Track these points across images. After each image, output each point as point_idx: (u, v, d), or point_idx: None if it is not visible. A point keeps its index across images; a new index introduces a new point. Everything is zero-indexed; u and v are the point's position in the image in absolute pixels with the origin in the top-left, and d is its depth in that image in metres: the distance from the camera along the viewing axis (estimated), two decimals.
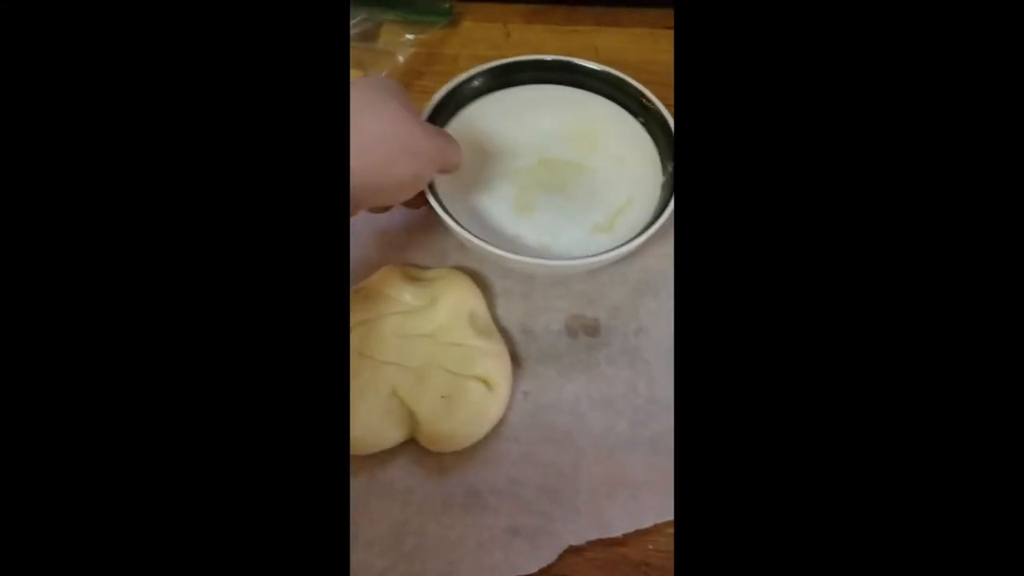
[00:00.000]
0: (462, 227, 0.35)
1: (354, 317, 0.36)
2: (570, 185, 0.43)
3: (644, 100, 0.41)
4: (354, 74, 0.49)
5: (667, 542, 0.32)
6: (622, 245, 0.35)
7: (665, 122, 0.40)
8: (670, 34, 0.54)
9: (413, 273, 0.39)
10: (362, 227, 0.43)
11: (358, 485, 0.34)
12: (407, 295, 0.37)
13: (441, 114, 0.40)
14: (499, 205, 0.42)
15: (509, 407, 0.35)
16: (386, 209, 0.39)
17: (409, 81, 0.50)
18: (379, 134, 0.30)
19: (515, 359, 0.37)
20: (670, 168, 0.39)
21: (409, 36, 0.50)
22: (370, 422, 0.33)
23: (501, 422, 0.35)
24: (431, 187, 0.36)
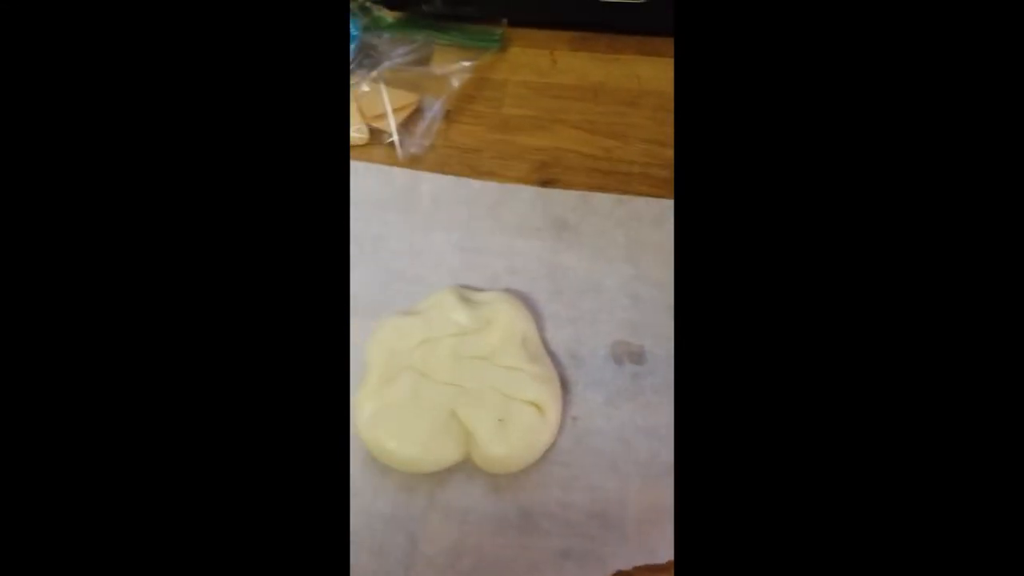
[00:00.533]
0: None
1: (415, 336, 0.38)
2: None
3: None
4: (410, 98, 0.51)
5: None
6: None
7: None
8: None
9: (467, 295, 0.41)
10: (418, 249, 0.45)
11: (418, 503, 0.35)
12: (463, 317, 0.39)
13: None
14: None
15: (559, 431, 0.37)
16: None
17: (462, 106, 0.52)
18: None
19: (564, 384, 0.38)
20: None
21: (465, 63, 0.52)
22: (431, 441, 0.35)
23: (551, 446, 0.37)
24: None
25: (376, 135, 0.51)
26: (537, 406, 0.36)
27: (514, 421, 0.35)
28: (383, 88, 0.50)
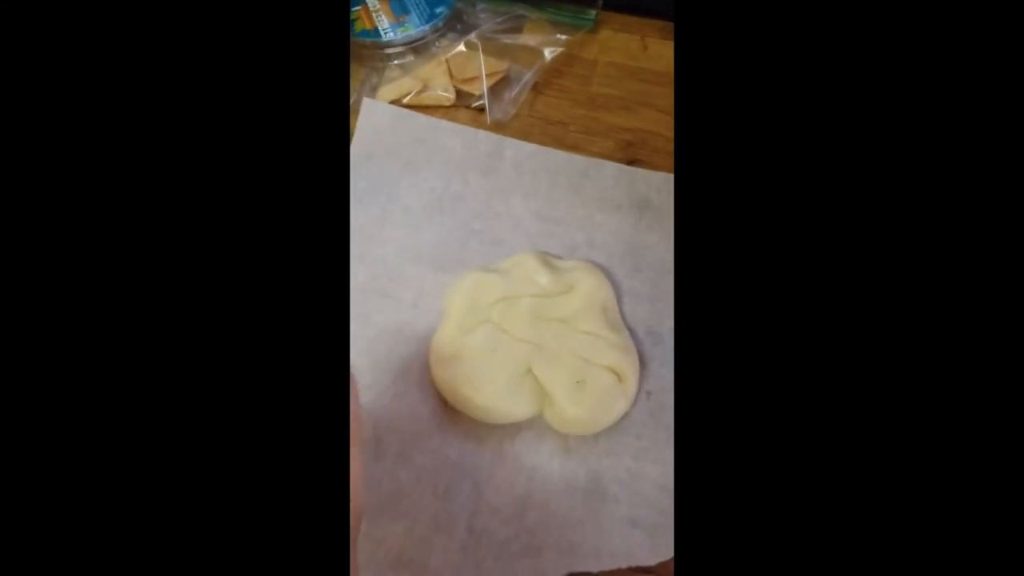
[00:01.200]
0: None
1: (496, 292, 0.38)
2: None
3: None
4: (500, 65, 0.51)
5: None
6: None
7: None
8: None
9: (550, 260, 0.40)
10: (498, 212, 0.44)
11: (486, 454, 0.35)
12: (545, 279, 0.39)
13: None
14: None
15: (633, 403, 0.36)
16: None
17: (550, 79, 0.52)
18: None
19: (640, 359, 0.38)
20: None
21: (560, 36, 0.51)
22: (505, 394, 0.35)
23: (625, 416, 0.36)
24: None
25: (462, 97, 0.50)
26: (616, 373, 0.36)
27: (592, 384, 0.35)
28: (480, 51, 0.50)
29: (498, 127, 0.49)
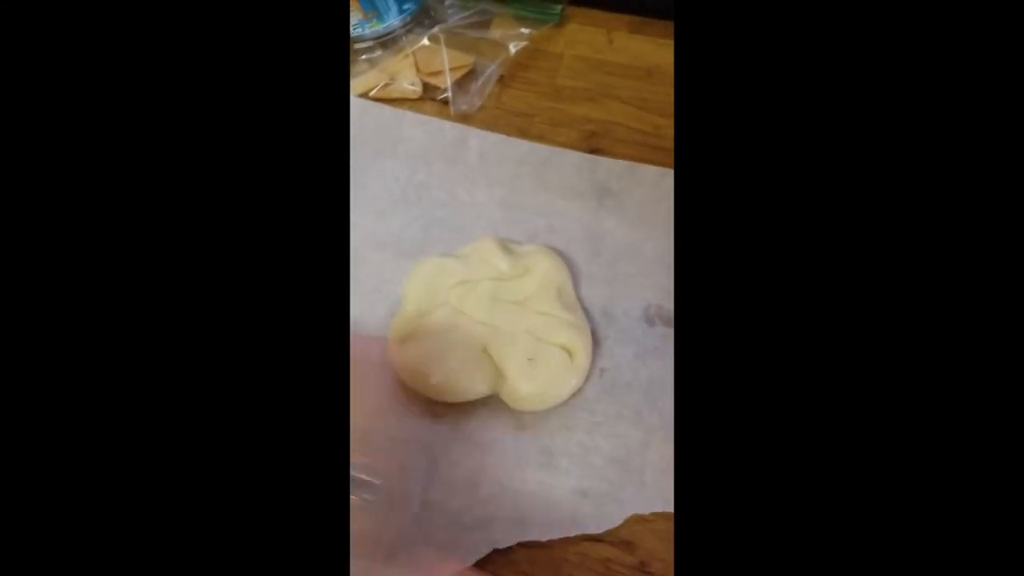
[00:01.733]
0: None
1: (454, 276, 0.39)
2: None
3: None
4: (466, 59, 0.52)
5: None
6: None
7: None
8: None
9: (509, 245, 0.41)
10: (461, 200, 0.45)
11: (442, 430, 0.36)
12: (503, 264, 0.40)
13: None
14: None
15: (586, 380, 0.37)
16: None
17: (516, 73, 0.53)
18: None
19: (595, 337, 0.39)
20: None
21: (524, 30, 0.53)
22: (460, 372, 0.35)
23: (578, 392, 0.37)
24: None
25: (429, 90, 0.51)
26: (567, 350, 0.36)
27: (544, 361, 0.36)
28: (442, 44, 0.51)
29: (464, 119, 0.50)
